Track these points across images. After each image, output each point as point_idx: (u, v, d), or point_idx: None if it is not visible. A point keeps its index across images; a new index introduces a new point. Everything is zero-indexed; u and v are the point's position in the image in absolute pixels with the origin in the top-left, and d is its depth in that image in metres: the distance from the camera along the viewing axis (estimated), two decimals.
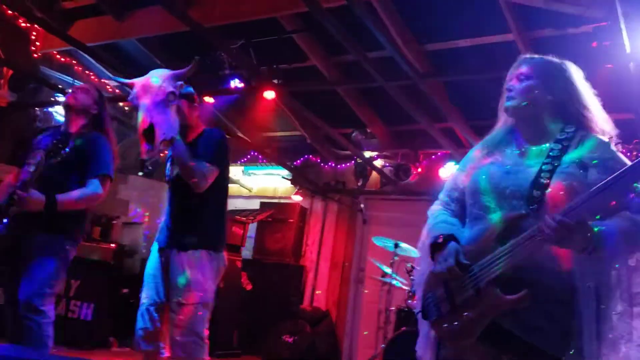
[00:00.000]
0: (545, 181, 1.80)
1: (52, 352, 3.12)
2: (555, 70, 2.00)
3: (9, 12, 6.46)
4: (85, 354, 5.68)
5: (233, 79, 5.79)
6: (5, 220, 2.94)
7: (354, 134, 7.58)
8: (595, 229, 1.62)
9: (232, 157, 9.04)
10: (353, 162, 8.16)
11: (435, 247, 1.91)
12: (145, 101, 2.73)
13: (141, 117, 2.69)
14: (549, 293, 1.72)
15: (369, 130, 7.52)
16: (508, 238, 1.75)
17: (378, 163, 7.90)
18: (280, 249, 8.17)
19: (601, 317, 1.67)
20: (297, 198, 8.16)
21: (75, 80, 7.48)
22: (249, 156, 8.90)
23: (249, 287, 7.85)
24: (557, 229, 1.61)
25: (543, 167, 1.84)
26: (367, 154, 7.83)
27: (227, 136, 3.36)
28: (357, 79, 6.02)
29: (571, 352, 1.66)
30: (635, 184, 1.60)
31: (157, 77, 2.81)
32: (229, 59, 5.72)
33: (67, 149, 3.15)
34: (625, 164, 1.73)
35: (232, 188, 9.41)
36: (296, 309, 7.73)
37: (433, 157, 7.37)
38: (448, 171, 7.37)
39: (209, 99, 5.88)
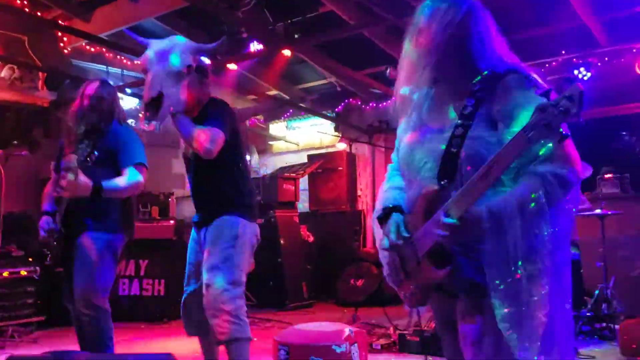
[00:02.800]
0: (455, 149, 1.72)
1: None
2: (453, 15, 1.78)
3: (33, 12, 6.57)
4: (164, 327, 6.04)
5: (252, 41, 5.70)
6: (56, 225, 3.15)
7: (387, 71, 7.33)
8: (486, 214, 1.58)
9: (271, 116, 9.14)
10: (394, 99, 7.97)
11: (381, 220, 1.91)
12: (159, 67, 2.61)
13: (151, 85, 2.58)
14: (475, 253, 1.67)
15: None
16: (432, 211, 1.71)
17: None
18: (335, 198, 8.24)
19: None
20: (342, 146, 8.11)
21: (109, 67, 7.62)
22: (290, 111, 8.88)
23: (311, 239, 8.00)
24: (442, 232, 1.61)
25: (455, 132, 1.73)
26: None
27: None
28: (380, 17, 5.79)
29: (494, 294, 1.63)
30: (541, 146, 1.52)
31: (178, 47, 2.69)
32: (245, 21, 5.62)
33: (96, 152, 3.15)
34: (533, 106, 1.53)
35: (279, 145, 9.49)
36: (360, 253, 7.84)
37: None
38: None
39: (232, 66, 5.84)
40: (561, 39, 6.23)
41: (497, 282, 1.61)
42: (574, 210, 1.74)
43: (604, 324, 5.02)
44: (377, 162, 8.34)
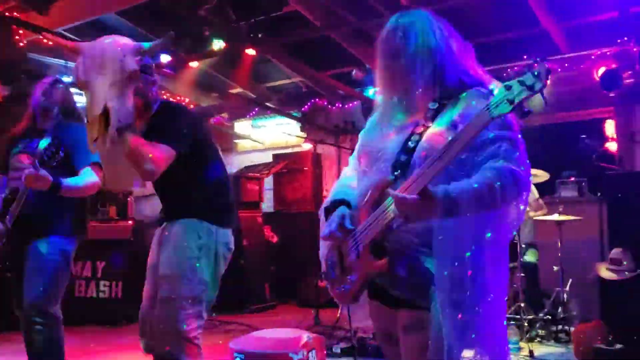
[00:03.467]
0: (413, 144, 1.76)
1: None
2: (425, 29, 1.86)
3: None
4: (122, 331, 5.91)
5: (216, 38, 5.60)
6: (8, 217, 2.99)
7: (353, 72, 7.35)
8: (442, 195, 1.58)
9: (236, 114, 9.03)
10: (360, 100, 7.98)
11: (327, 212, 1.93)
12: (99, 79, 2.25)
13: (93, 99, 2.25)
14: (416, 251, 1.73)
15: (368, 66, 7.28)
16: (380, 203, 1.73)
17: None
18: (300, 198, 8.19)
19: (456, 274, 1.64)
20: (307, 146, 8.07)
21: (68, 62, 7.41)
22: (255, 109, 8.79)
23: (275, 239, 7.94)
24: (399, 208, 1.60)
25: (416, 128, 1.79)
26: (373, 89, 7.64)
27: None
28: (344, 19, 5.77)
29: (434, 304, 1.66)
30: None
31: (116, 50, 2.30)
32: (209, 18, 5.54)
33: (61, 153, 3.00)
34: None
35: (244, 143, 9.40)
36: None
37: None
38: None
39: (194, 64, 5.74)
40: (523, 44, 6.30)
41: (444, 271, 1.64)
42: (521, 207, 1.74)
43: (560, 327, 5.09)
44: (343, 162, 8.29)
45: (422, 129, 1.78)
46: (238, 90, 8.20)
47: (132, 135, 2.38)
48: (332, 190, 2.08)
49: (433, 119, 1.80)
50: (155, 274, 2.66)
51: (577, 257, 6.15)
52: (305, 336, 3.53)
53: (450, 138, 1.58)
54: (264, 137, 9.23)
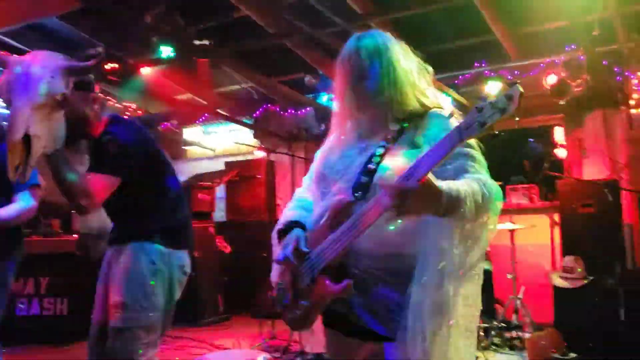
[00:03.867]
0: (374, 166, 1.72)
1: None
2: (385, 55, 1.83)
3: None
4: (68, 350, 5.63)
5: (163, 45, 5.41)
6: None
7: (306, 79, 7.26)
8: (447, 188, 1.49)
9: (186, 120, 8.77)
10: (313, 107, 7.90)
11: (281, 234, 1.88)
12: (22, 100, 1.98)
13: (13, 125, 1.98)
14: (375, 277, 1.68)
15: (321, 72, 7.21)
16: (338, 225, 1.68)
17: None
18: (253, 207, 8.03)
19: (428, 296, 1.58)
20: (260, 154, 7.93)
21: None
22: (205, 116, 8.57)
23: (228, 249, 7.76)
24: (397, 195, 1.46)
25: (376, 150, 1.75)
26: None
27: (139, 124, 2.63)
28: (295, 26, 5.67)
29: (400, 333, 1.60)
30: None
31: (44, 69, 2.04)
32: (156, 24, 5.34)
33: None
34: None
35: (194, 150, 9.18)
36: None
37: None
38: None
39: (145, 70, 5.53)
40: (475, 52, 6.36)
41: (423, 276, 1.59)
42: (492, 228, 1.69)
43: (514, 334, 5.13)
44: (296, 170, 8.21)
45: (383, 150, 1.75)
46: (187, 96, 7.98)
47: (63, 165, 2.17)
48: (285, 211, 2.02)
49: (395, 140, 1.77)
50: (105, 301, 2.47)
51: (529, 263, 6.26)
52: (261, 357, 3.41)
53: (416, 158, 1.51)
54: (215, 144, 9.02)
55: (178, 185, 2.67)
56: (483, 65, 6.35)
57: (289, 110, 8.18)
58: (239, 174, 8.02)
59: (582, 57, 5.71)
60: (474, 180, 1.59)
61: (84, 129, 2.42)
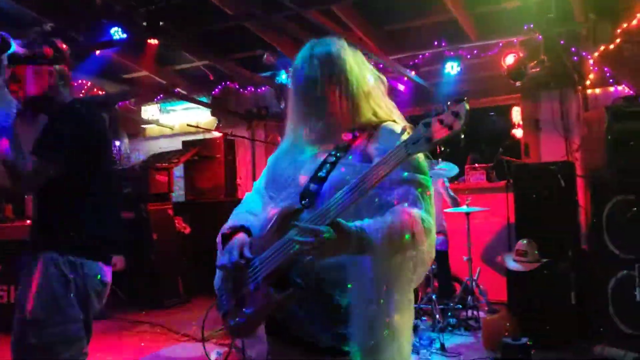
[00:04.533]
0: (323, 174, 1.72)
1: None
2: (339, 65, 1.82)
3: None
4: None
5: (114, 26, 5.19)
6: None
7: (264, 57, 7.11)
8: (356, 230, 1.51)
9: (143, 99, 8.52)
10: (271, 85, 7.77)
11: (225, 239, 1.82)
12: None
13: None
14: (318, 286, 1.67)
15: (279, 50, 7.06)
16: (285, 232, 1.66)
17: None
18: (213, 187, 7.92)
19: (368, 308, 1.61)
20: (218, 134, 7.78)
21: None
22: (162, 94, 8.35)
23: (187, 230, 7.66)
24: (308, 241, 1.49)
25: (328, 158, 1.75)
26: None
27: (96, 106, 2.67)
28: (254, 5, 5.48)
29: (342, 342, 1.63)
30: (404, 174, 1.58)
31: None
32: (106, 4, 5.12)
33: None
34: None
35: (153, 128, 8.97)
36: None
37: None
38: None
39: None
40: (434, 31, 6.30)
41: (356, 310, 1.60)
42: (428, 254, 1.68)
43: (470, 315, 5.23)
44: (257, 149, 8.11)
45: (334, 159, 1.75)
46: (143, 74, 7.74)
47: (12, 145, 2.18)
48: (231, 216, 1.98)
49: (346, 150, 1.77)
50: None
51: (485, 241, 6.36)
52: (214, 354, 3.38)
53: (364, 171, 1.53)
54: (173, 122, 8.82)
55: (107, 191, 2.52)
56: (443, 44, 6.30)
57: (249, 88, 8.04)
58: (197, 154, 7.87)
59: (539, 37, 5.70)
60: (406, 214, 1.58)
61: (41, 103, 2.41)
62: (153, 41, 4.88)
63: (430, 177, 1.65)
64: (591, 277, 4.35)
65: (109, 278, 2.48)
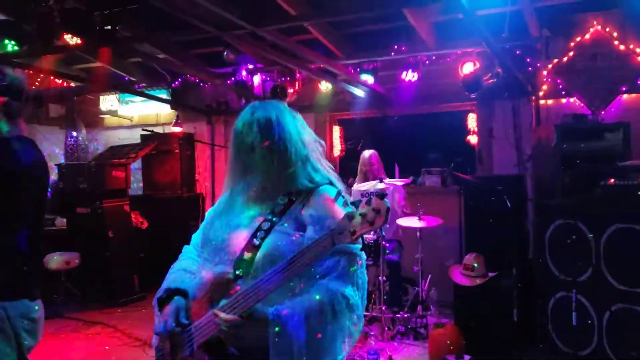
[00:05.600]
0: (258, 242, 1.76)
1: None
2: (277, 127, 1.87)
3: None
4: None
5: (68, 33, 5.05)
6: None
7: (225, 54, 7.02)
8: (272, 316, 1.60)
9: (99, 89, 8.28)
10: (233, 80, 7.68)
11: (161, 302, 1.84)
12: None
13: None
14: (252, 358, 1.70)
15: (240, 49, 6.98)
16: (218, 301, 1.70)
17: (257, 79, 7.47)
18: (171, 182, 7.86)
19: None
20: (177, 129, 7.70)
21: None
22: (119, 88, 8.17)
23: (145, 225, 7.62)
24: (223, 325, 1.60)
25: (263, 224, 1.80)
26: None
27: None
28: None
29: None
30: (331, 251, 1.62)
31: None
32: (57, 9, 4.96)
33: None
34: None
35: (111, 120, 8.81)
36: None
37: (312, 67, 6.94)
38: (324, 86, 7.17)
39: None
40: (394, 36, 6.30)
41: None
42: (355, 326, 1.75)
43: (419, 323, 5.37)
44: (217, 143, 8.05)
45: (269, 225, 1.79)
46: (101, 65, 7.56)
47: None
48: (168, 273, 2.00)
49: (281, 214, 1.81)
50: None
51: (438, 244, 6.49)
52: None
53: (294, 249, 1.64)
54: (132, 113, 8.67)
55: (29, 226, 2.46)
56: (403, 49, 6.32)
57: (209, 83, 7.93)
58: (156, 148, 7.78)
59: (495, 49, 5.76)
60: (329, 292, 1.66)
61: None
62: (106, 51, 4.76)
63: (387, 194, 1.71)
64: (533, 294, 4.51)
65: (38, 313, 2.42)
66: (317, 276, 1.71)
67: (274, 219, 1.80)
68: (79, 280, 6.98)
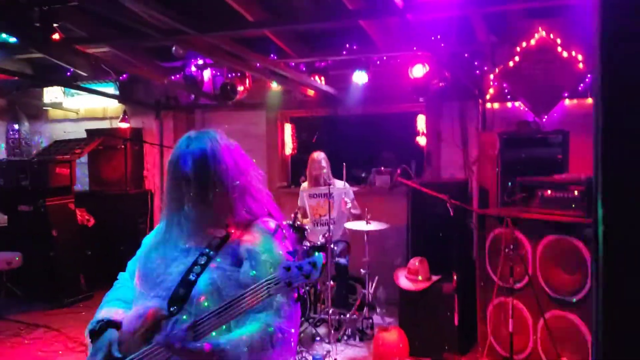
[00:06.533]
0: (193, 278, 1.75)
1: None
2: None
3: None
4: None
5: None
6: None
7: (174, 48, 6.88)
8: (208, 350, 1.61)
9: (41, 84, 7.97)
10: (182, 75, 7.53)
11: (94, 336, 1.82)
12: None
13: None
14: None
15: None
16: (151, 337, 1.71)
17: (207, 74, 7.35)
18: (118, 178, 7.69)
19: None
20: (124, 125, 7.52)
21: None
22: (68, 73, 7.89)
23: (91, 222, 7.45)
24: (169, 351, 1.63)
25: (199, 259, 1.79)
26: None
27: None
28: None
29: None
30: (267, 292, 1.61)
31: None
32: None
33: None
34: (279, 258, 1.77)
35: (56, 112, 8.55)
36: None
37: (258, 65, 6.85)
38: (275, 84, 7.11)
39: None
40: (345, 36, 6.29)
41: None
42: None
43: (366, 324, 5.45)
44: (165, 139, 7.91)
45: (205, 259, 1.78)
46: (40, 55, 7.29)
47: None
48: (102, 302, 1.98)
49: (218, 248, 1.81)
50: None
51: (387, 244, 6.58)
52: None
53: (224, 304, 1.63)
54: (78, 106, 8.41)
55: None
56: (354, 48, 6.31)
57: (158, 75, 7.76)
58: (102, 143, 7.59)
59: (444, 54, 5.84)
60: (264, 326, 1.69)
61: None
62: (56, 36, 4.62)
63: (324, 248, 1.77)
64: (474, 299, 4.63)
65: None
66: (255, 311, 1.73)
67: (211, 252, 1.81)
68: (21, 280, 6.78)
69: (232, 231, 1.85)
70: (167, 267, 1.84)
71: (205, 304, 1.70)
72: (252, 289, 1.61)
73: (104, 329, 1.82)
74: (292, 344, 1.78)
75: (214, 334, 1.66)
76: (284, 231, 1.90)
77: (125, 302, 1.95)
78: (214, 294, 1.72)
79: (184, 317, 1.71)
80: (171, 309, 1.73)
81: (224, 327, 1.68)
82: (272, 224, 1.88)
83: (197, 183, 1.82)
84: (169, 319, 1.72)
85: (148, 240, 2.01)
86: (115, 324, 1.83)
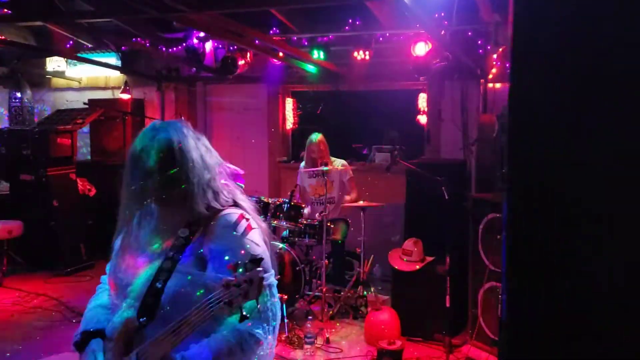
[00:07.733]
0: (160, 285, 1.70)
1: None
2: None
3: None
4: None
5: None
6: None
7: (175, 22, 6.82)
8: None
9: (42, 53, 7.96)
10: (184, 46, 7.48)
11: (79, 347, 1.79)
12: None
13: None
14: None
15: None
16: (130, 348, 1.69)
17: (209, 45, 7.30)
18: (119, 148, 7.70)
19: None
20: (126, 96, 7.50)
21: None
22: (69, 44, 7.86)
23: (92, 192, 7.51)
24: None
25: (164, 264, 1.72)
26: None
27: None
28: None
29: None
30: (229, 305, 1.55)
31: None
32: None
33: None
34: (251, 253, 1.66)
35: (59, 81, 8.54)
36: None
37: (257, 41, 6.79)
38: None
39: None
40: (348, 11, 6.21)
41: None
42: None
43: (360, 303, 5.50)
44: (167, 110, 7.91)
45: (170, 264, 1.72)
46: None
47: None
48: (85, 311, 1.93)
49: (182, 249, 1.75)
50: None
51: (384, 220, 6.60)
52: None
53: (171, 326, 1.59)
54: (80, 75, 8.39)
55: None
56: (357, 23, 6.24)
57: (160, 47, 7.70)
58: (104, 114, 7.59)
59: (447, 31, 5.75)
60: (236, 332, 1.66)
61: None
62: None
63: (261, 260, 1.65)
64: (466, 282, 4.66)
65: None
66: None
67: (175, 256, 1.74)
68: (22, 249, 6.87)
69: (195, 229, 1.78)
70: (135, 276, 1.77)
71: (174, 312, 1.64)
72: (196, 309, 1.56)
73: (88, 339, 1.80)
74: (266, 343, 1.72)
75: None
76: (248, 221, 1.80)
77: (107, 308, 1.91)
78: (181, 301, 1.66)
79: (155, 325, 1.68)
80: (141, 320, 1.69)
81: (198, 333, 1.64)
82: (234, 216, 1.79)
83: (161, 179, 1.73)
84: (142, 329, 1.70)
85: (118, 243, 1.93)
86: (99, 334, 1.80)
